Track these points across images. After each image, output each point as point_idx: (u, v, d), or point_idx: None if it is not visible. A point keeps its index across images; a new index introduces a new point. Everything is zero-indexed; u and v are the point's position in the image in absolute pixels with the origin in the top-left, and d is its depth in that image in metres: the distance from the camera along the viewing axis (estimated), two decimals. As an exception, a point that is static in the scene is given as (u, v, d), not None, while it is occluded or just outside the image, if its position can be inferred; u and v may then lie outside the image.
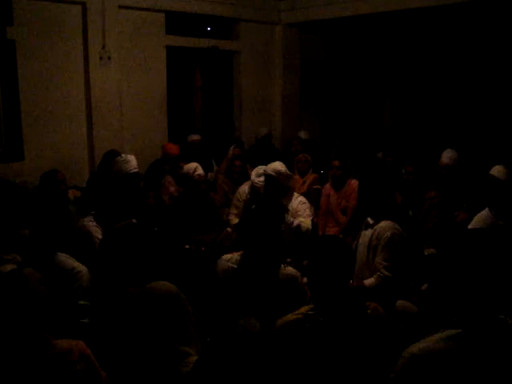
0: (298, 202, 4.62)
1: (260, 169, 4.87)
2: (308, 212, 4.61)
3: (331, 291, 2.31)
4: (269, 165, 4.67)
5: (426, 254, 4.41)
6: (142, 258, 2.62)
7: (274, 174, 4.51)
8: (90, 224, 3.77)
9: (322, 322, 2.24)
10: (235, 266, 3.13)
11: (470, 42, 7.82)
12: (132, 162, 4.59)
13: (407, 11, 6.88)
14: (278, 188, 4.52)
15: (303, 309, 2.35)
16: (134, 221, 4.49)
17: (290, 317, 2.31)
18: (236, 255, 3.16)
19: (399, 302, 3.39)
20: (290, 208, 4.55)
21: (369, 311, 2.33)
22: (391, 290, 3.52)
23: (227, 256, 3.32)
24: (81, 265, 3.15)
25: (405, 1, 6.71)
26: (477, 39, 7.73)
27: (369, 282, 3.61)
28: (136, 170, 4.62)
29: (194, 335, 2.25)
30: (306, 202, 4.71)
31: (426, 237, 4.65)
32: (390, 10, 6.94)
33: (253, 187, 4.98)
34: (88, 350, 2.03)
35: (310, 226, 4.53)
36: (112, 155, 5.24)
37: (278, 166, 4.60)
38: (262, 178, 4.89)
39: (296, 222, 4.39)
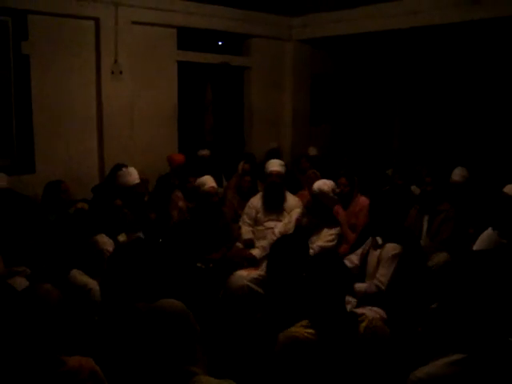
0: (332, 228, 4.55)
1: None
2: (329, 238, 4.49)
3: (325, 307, 2.34)
4: (317, 182, 4.66)
5: (436, 259, 4.40)
6: (150, 273, 2.63)
7: (316, 191, 4.47)
8: (101, 238, 3.79)
9: (315, 338, 2.29)
10: (253, 286, 3.12)
11: (481, 59, 7.82)
12: (134, 174, 4.86)
13: (416, 29, 6.92)
14: (320, 207, 4.50)
15: (300, 324, 2.40)
16: (140, 234, 4.55)
17: (289, 333, 2.38)
18: (253, 273, 3.15)
19: None
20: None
21: (363, 323, 2.34)
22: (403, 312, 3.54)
23: (242, 273, 3.32)
24: (92, 281, 3.16)
25: (413, 19, 6.74)
26: (488, 57, 7.74)
27: (360, 286, 3.66)
28: (138, 181, 4.94)
29: (201, 355, 2.25)
30: (339, 231, 4.59)
31: (441, 245, 4.65)
32: (398, 28, 6.98)
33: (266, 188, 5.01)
34: (97, 367, 2.03)
35: None
36: (119, 169, 5.29)
37: (323, 184, 4.56)
38: (280, 169, 5.02)
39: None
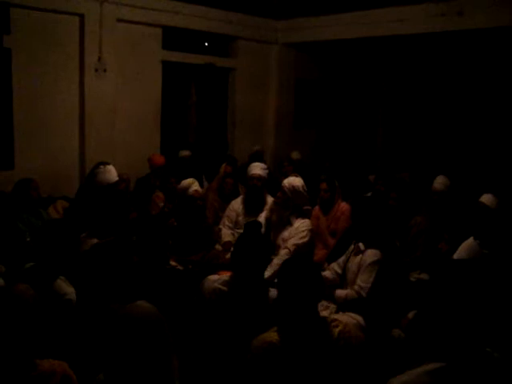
0: (302, 222, 4.47)
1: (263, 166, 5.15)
2: (302, 235, 4.38)
3: (295, 313, 2.30)
4: (288, 178, 4.64)
5: (415, 278, 4.43)
6: (123, 274, 2.59)
7: (287, 186, 4.44)
8: (89, 241, 3.73)
9: (283, 345, 2.25)
10: (223, 288, 3.10)
11: (464, 69, 7.91)
12: (113, 171, 4.76)
13: (401, 37, 6.98)
14: (287, 202, 4.46)
15: (272, 329, 2.36)
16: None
17: (262, 339, 2.33)
18: (224, 276, 3.13)
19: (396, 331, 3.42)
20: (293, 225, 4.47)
21: (338, 328, 2.31)
22: (382, 318, 3.54)
23: (214, 277, 3.29)
24: (72, 291, 3.07)
25: (398, 27, 6.80)
26: (472, 66, 7.83)
27: (340, 292, 3.66)
28: (116, 179, 4.81)
29: (175, 362, 2.20)
30: (309, 225, 4.50)
31: (416, 263, 4.66)
32: (383, 35, 7.04)
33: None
34: (71, 372, 1.98)
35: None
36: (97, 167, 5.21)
37: (293, 180, 4.53)
38: (261, 172, 4.98)
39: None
